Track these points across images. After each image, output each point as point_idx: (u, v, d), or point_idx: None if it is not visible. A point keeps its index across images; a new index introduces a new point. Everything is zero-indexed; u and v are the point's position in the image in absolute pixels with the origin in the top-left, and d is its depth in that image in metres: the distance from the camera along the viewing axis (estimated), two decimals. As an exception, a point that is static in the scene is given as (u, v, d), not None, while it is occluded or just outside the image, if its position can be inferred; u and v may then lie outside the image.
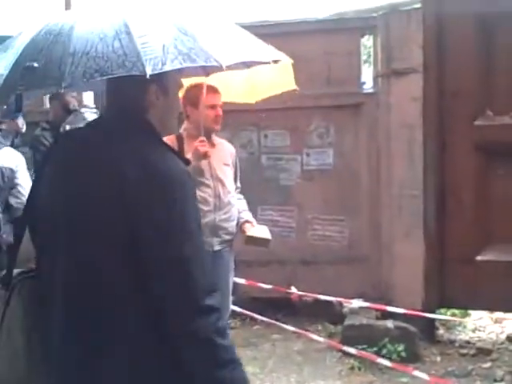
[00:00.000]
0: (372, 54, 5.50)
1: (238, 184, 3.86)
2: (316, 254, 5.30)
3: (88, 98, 4.21)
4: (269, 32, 4.71)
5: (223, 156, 3.74)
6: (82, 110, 4.18)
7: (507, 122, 4.89)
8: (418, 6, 5.11)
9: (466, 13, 4.91)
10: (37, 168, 3.57)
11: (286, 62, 2.13)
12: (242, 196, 3.88)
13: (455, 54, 4.96)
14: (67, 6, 5.71)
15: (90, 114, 4.13)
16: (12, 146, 4.67)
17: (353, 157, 5.34)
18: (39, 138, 4.19)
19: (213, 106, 3.57)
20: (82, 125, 1.82)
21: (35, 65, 1.51)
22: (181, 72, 1.91)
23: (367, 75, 5.55)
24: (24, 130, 4.72)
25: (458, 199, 4.96)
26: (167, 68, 1.48)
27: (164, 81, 1.68)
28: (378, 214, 5.16)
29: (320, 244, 5.33)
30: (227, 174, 3.71)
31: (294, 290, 4.69)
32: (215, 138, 3.73)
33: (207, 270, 1.55)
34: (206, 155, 3.44)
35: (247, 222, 3.74)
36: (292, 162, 5.43)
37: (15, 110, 4.11)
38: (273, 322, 4.84)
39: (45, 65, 1.52)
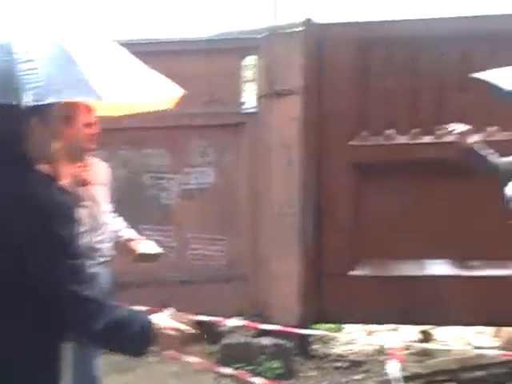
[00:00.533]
0: (256, 74, 5.57)
1: (112, 204, 3.78)
2: (195, 273, 5.29)
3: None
4: (150, 50, 4.65)
5: (98, 176, 3.64)
6: None
7: (381, 143, 5.14)
8: (301, 28, 5.24)
9: (345, 38, 5.13)
10: None
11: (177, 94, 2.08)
12: (116, 214, 3.79)
13: (334, 77, 5.15)
14: None
15: None
16: None
17: (233, 176, 5.38)
18: None
19: (87, 125, 3.46)
20: None
21: None
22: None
23: (253, 95, 5.60)
24: None
25: (333, 217, 5.14)
26: (50, 100, 1.44)
27: (46, 111, 1.58)
28: (257, 232, 5.23)
29: (199, 263, 5.34)
30: (103, 195, 3.62)
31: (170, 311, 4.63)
32: (90, 158, 3.63)
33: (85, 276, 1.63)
34: (85, 182, 3.35)
35: (131, 239, 3.64)
36: (171, 181, 5.39)
37: None
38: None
39: None
